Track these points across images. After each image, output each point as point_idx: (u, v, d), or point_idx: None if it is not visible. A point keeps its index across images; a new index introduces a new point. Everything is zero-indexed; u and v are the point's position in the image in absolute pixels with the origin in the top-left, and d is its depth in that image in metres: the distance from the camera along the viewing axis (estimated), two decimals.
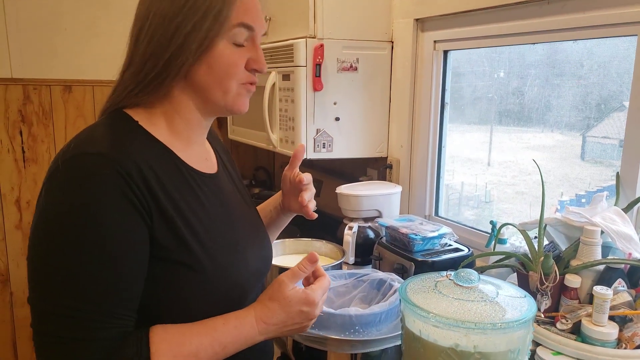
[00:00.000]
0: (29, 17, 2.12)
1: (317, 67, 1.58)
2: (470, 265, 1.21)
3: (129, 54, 0.77)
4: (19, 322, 2.30)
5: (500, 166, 1.67)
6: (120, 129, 0.73)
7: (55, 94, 2.21)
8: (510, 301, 0.78)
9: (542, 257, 1.00)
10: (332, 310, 1.03)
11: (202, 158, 0.83)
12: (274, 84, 1.70)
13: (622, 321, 0.93)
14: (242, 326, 0.74)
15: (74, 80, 2.23)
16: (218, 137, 0.96)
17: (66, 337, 0.64)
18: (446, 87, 1.61)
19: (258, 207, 1.05)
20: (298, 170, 0.97)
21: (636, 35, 1.08)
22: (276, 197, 1.07)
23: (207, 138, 0.89)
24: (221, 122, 2.56)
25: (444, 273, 0.85)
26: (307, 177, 0.94)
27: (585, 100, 1.32)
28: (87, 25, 2.22)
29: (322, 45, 1.57)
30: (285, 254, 1.40)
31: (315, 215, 0.97)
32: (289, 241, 1.41)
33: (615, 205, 1.12)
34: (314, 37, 1.58)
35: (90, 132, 0.72)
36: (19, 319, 2.30)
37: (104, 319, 0.65)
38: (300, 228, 1.77)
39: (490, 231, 1.32)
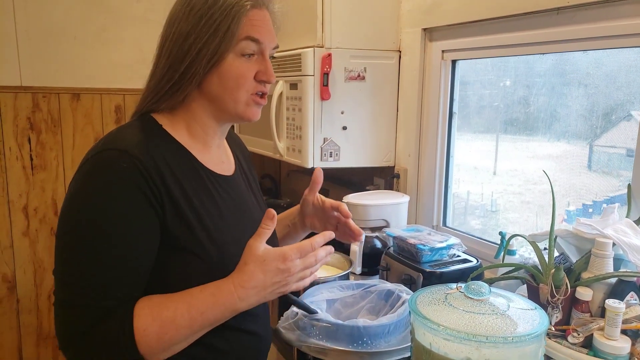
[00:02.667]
0: (39, 26, 2.14)
1: (325, 76, 1.58)
2: (479, 276, 1.20)
3: (154, 67, 0.86)
4: (24, 329, 2.30)
5: (506, 175, 1.66)
6: (145, 130, 0.82)
7: (63, 102, 2.23)
8: (522, 314, 0.77)
9: (553, 269, 0.99)
10: (340, 321, 1.03)
11: (219, 161, 0.91)
12: (281, 93, 1.71)
13: (634, 335, 0.91)
14: (219, 292, 0.77)
15: (82, 88, 2.25)
16: (240, 142, 1.04)
17: (73, 302, 0.73)
18: (454, 97, 1.61)
19: (279, 217, 1.09)
20: (318, 194, 1.05)
21: None
22: (293, 213, 1.11)
23: (228, 142, 0.97)
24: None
25: (454, 285, 0.84)
26: (345, 209, 1.02)
27: (592, 110, 1.32)
28: (96, 34, 2.24)
29: (330, 55, 1.57)
30: None
31: (362, 235, 1.03)
32: None
33: (626, 217, 1.11)
34: (322, 47, 1.59)
35: (117, 132, 0.82)
36: (25, 325, 2.30)
37: (107, 291, 0.74)
38: (308, 237, 1.76)
39: (499, 242, 1.31)
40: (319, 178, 1.02)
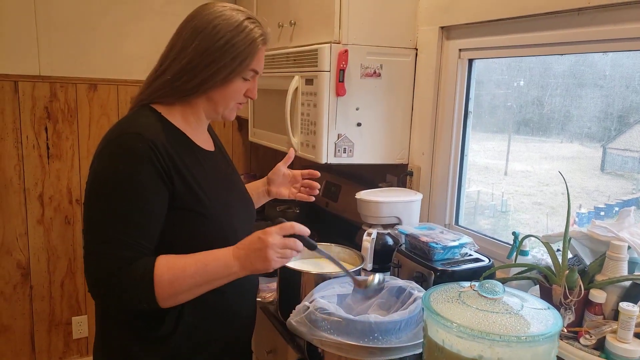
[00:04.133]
0: (59, 16, 2.17)
1: (341, 72, 1.59)
2: (491, 276, 1.20)
3: (167, 64, 1.02)
4: (37, 315, 2.35)
5: (517, 176, 1.65)
6: (150, 117, 1.02)
7: (80, 92, 2.26)
8: (536, 314, 0.77)
9: (567, 271, 0.99)
10: (351, 316, 1.03)
11: (204, 140, 1.13)
12: (297, 88, 1.71)
13: None
14: (219, 250, 0.98)
15: (99, 79, 2.28)
16: (212, 130, 1.26)
17: (103, 252, 0.92)
18: (470, 96, 1.60)
19: (247, 186, 1.36)
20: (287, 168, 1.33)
21: None
22: (258, 184, 1.39)
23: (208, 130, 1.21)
24: (242, 125, 2.59)
25: (468, 283, 0.84)
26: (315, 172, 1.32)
27: (607, 111, 1.30)
28: (115, 26, 2.27)
29: (346, 51, 1.57)
30: (304, 258, 1.40)
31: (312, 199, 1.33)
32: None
33: None
34: (338, 43, 1.59)
35: (129, 120, 1.01)
36: (38, 312, 2.34)
37: (130, 243, 0.92)
38: (319, 232, 1.77)
39: (512, 242, 1.30)
40: (292, 155, 1.32)
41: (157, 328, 1.02)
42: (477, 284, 0.82)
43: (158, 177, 0.95)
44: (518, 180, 1.64)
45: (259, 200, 1.37)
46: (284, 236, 0.98)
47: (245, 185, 1.33)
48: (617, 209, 1.26)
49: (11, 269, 2.26)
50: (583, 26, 1.21)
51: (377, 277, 1.16)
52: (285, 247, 0.97)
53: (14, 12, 2.09)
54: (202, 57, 0.99)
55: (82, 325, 2.43)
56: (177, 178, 0.98)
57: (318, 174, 1.33)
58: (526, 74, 1.55)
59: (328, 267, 1.35)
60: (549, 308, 0.80)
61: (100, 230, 0.93)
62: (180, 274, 0.94)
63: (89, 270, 0.94)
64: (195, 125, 1.09)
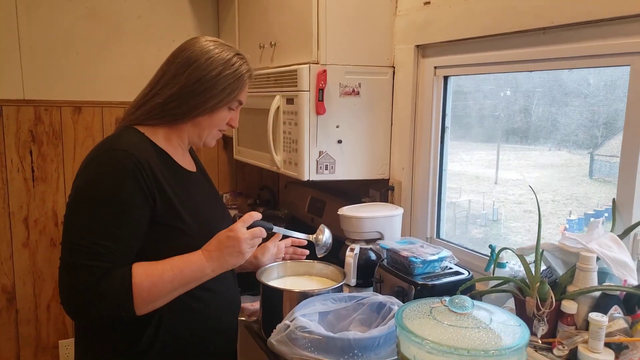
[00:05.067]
0: (42, 40, 2.19)
1: (320, 91, 1.62)
2: (470, 289, 1.22)
3: (158, 89, 1.09)
4: (23, 340, 2.32)
5: (507, 184, 1.67)
6: (135, 136, 1.07)
7: (65, 115, 2.27)
8: (504, 328, 0.79)
9: (538, 283, 1.02)
10: (330, 334, 1.05)
11: (186, 161, 1.18)
12: (278, 107, 1.75)
13: (618, 348, 0.94)
14: (192, 255, 1.04)
15: (83, 101, 2.29)
16: (194, 153, 1.31)
17: (82, 263, 0.94)
18: (447, 112, 1.64)
19: None
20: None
21: (629, 65, 1.10)
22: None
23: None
24: (227, 143, 2.61)
25: (439, 299, 0.86)
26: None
27: (592, 119, 1.33)
28: (98, 49, 2.29)
29: (325, 71, 1.61)
30: (286, 276, 1.41)
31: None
32: (290, 263, 1.43)
33: (611, 231, 1.13)
34: (317, 63, 1.63)
35: (114, 138, 1.07)
36: (24, 337, 2.32)
37: (108, 255, 0.95)
38: (304, 248, 1.78)
39: (489, 254, 1.33)
40: (280, 238, 1.41)
41: (134, 344, 1.04)
42: (447, 299, 0.84)
43: (141, 193, 0.99)
44: (508, 189, 1.66)
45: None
46: (248, 227, 1.07)
47: None
48: (606, 214, 1.29)
49: None
50: (549, 44, 1.25)
51: (325, 230, 1.32)
52: (254, 236, 1.07)
53: None
54: (195, 85, 1.07)
55: (69, 349, 2.41)
56: (159, 195, 1.02)
57: (306, 253, 1.44)
58: (512, 83, 1.57)
59: (310, 285, 1.37)
60: (517, 321, 0.82)
61: (79, 242, 0.95)
62: (158, 280, 0.98)
63: (64, 281, 0.96)
64: (177, 147, 1.15)
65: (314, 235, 1.32)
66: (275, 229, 1.20)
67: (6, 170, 2.20)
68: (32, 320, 2.32)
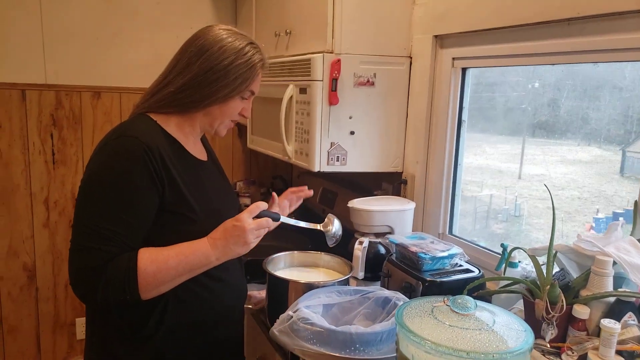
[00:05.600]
0: (64, 28, 2.22)
1: (334, 81, 1.59)
2: (480, 287, 1.19)
3: (171, 77, 1.08)
4: (43, 317, 2.39)
5: (532, 179, 1.62)
6: (148, 124, 1.08)
7: (85, 100, 2.31)
8: (507, 331, 0.77)
9: (549, 286, 0.98)
10: (332, 327, 1.04)
11: (197, 150, 1.18)
12: (291, 97, 1.73)
13: (630, 356, 0.90)
14: (197, 242, 1.04)
15: (103, 87, 2.32)
16: (207, 141, 1.31)
17: (89, 246, 0.96)
18: (464, 105, 1.59)
19: None
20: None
21: None
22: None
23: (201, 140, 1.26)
24: (242, 132, 2.61)
25: (442, 298, 0.84)
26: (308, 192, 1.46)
27: (627, 114, 1.27)
28: (117, 36, 2.31)
29: (339, 61, 1.58)
30: (293, 267, 1.40)
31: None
32: (297, 253, 1.42)
33: (631, 234, 1.08)
34: (331, 52, 1.60)
35: (127, 124, 1.08)
36: (44, 313, 2.39)
37: (116, 239, 0.97)
38: (311, 239, 1.77)
39: (501, 253, 1.29)
40: (275, 201, 1.39)
41: (140, 328, 1.05)
42: (450, 299, 0.82)
43: (150, 180, 1.00)
44: (532, 184, 1.61)
45: None
46: (254, 217, 1.06)
47: None
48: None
49: (18, 271, 2.31)
50: (573, 36, 1.19)
51: (334, 220, 1.31)
52: (260, 227, 1.06)
53: (22, 25, 2.15)
54: (207, 75, 1.07)
55: (84, 327, 2.47)
56: (168, 182, 1.03)
57: (310, 192, 1.44)
58: (541, 75, 1.51)
59: (316, 277, 1.36)
60: (521, 324, 0.79)
61: (89, 225, 0.97)
62: (163, 266, 0.99)
63: (74, 264, 0.98)
64: (189, 135, 1.15)
65: (323, 225, 1.30)
66: (282, 219, 1.19)
67: (28, 152, 2.25)
68: (51, 298, 2.39)
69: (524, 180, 1.64)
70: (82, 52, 2.26)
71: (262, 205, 1.09)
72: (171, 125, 1.11)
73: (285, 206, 1.41)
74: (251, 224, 1.04)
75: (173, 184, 1.04)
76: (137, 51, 2.34)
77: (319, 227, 1.30)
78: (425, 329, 0.77)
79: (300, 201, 1.45)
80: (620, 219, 1.09)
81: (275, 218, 1.14)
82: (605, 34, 1.12)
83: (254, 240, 1.06)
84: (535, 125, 1.55)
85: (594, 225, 1.42)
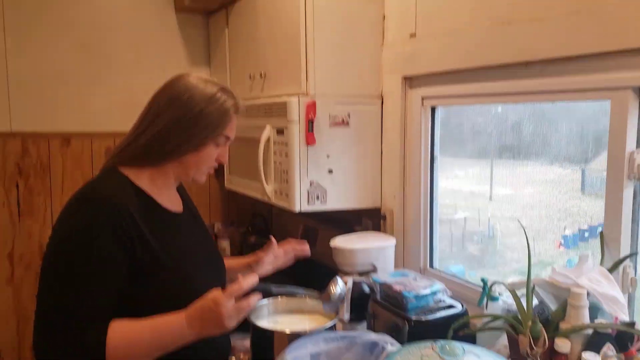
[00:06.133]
0: (30, 73, 2.18)
1: (310, 123, 1.63)
2: (464, 326, 1.21)
3: (142, 129, 1.07)
4: None
5: (502, 200, 1.67)
6: (116, 181, 1.05)
7: (53, 147, 2.25)
8: None
9: (530, 322, 1.01)
10: None
11: (172, 201, 1.16)
12: (269, 138, 1.75)
13: None
14: (174, 318, 0.99)
15: (72, 132, 2.27)
16: (183, 187, 1.28)
17: (54, 319, 0.93)
18: (435, 141, 1.65)
19: (227, 263, 1.36)
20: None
21: (609, 99, 1.12)
22: (243, 265, 1.39)
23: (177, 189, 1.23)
24: (218, 172, 2.60)
25: (430, 344, 0.85)
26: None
27: (582, 134, 1.35)
28: (87, 81, 2.28)
29: (314, 103, 1.62)
30: (277, 313, 1.39)
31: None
32: (280, 300, 1.41)
33: (600, 264, 1.14)
34: (306, 94, 1.64)
35: (95, 183, 1.06)
36: None
37: (83, 312, 0.93)
38: (296, 279, 1.77)
39: (482, 287, 1.32)
40: (274, 244, 1.41)
41: None
42: (438, 345, 0.83)
43: (119, 245, 0.97)
44: (503, 205, 1.67)
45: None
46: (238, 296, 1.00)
47: (226, 260, 1.38)
48: (600, 229, 1.29)
49: None
50: (532, 78, 1.27)
51: (338, 285, 1.27)
52: (240, 312, 0.99)
53: None
54: (177, 124, 1.05)
55: None
56: (139, 243, 1.00)
57: (307, 252, 1.43)
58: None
59: (302, 324, 1.35)
60: None
61: (53, 297, 0.94)
62: (135, 344, 0.96)
63: (38, 337, 0.95)
64: (162, 187, 1.12)
65: (324, 296, 1.24)
66: (276, 291, 1.16)
67: None
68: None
69: (495, 201, 1.69)
70: (51, 96, 2.22)
71: (247, 285, 1.01)
72: (143, 179, 1.09)
73: (279, 255, 1.39)
74: (229, 309, 0.97)
75: (144, 243, 1.01)
76: (110, 95, 2.31)
77: (318, 295, 1.27)
78: None
79: (292, 257, 1.44)
80: (589, 252, 1.14)
81: (268, 293, 1.11)
82: (562, 76, 1.20)
83: (232, 324, 1.00)
84: (502, 148, 1.62)
85: (562, 242, 1.48)
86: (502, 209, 1.68)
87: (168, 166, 1.10)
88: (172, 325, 0.99)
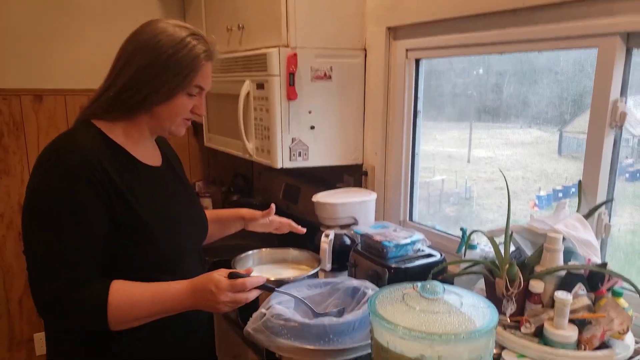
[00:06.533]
0: None
1: (291, 76, 1.59)
2: (442, 271, 1.24)
3: (110, 80, 1.02)
4: None
5: (479, 162, 1.69)
6: (88, 134, 1.00)
7: (25, 104, 2.17)
8: (474, 311, 0.81)
9: (507, 265, 1.04)
10: (306, 320, 1.05)
11: (149, 154, 1.12)
12: (248, 93, 1.71)
13: (581, 324, 0.97)
14: (176, 288, 1.00)
15: (45, 89, 2.19)
16: (167, 142, 1.26)
17: (47, 274, 0.92)
18: (419, 95, 1.64)
19: (216, 213, 1.38)
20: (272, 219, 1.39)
21: (597, 47, 1.12)
22: (234, 220, 1.39)
23: (158, 142, 1.19)
24: (197, 130, 2.55)
25: (411, 285, 0.87)
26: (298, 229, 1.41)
27: (562, 96, 1.35)
28: (58, 35, 2.18)
29: (295, 55, 1.58)
30: (262, 264, 1.41)
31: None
32: (265, 251, 1.42)
33: (577, 211, 1.17)
34: (287, 46, 1.59)
35: (65, 137, 1.00)
36: None
37: (73, 264, 0.93)
38: (278, 235, 1.78)
39: (461, 237, 1.36)
40: (273, 209, 1.36)
41: (105, 341, 1.02)
42: (419, 285, 0.85)
43: (96, 196, 0.95)
44: (480, 167, 1.69)
45: (228, 228, 1.39)
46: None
47: (217, 210, 1.41)
48: (574, 190, 1.32)
49: None
50: (519, 26, 1.26)
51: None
52: (235, 303, 1.01)
53: None
54: (145, 73, 0.99)
55: (44, 341, 2.36)
56: (115, 196, 0.97)
57: (303, 231, 1.39)
58: (484, 62, 1.56)
59: (286, 273, 1.37)
60: (486, 303, 0.84)
61: (42, 252, 0.93)
62: (136, 305, 0.96)
63: (35, 293, 0.94)
64: (137, 141, 1.08)
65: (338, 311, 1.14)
66: (279, 290, 1.12)
67: None
68: (4, 314, 2.27)
69: (473, 164, 1.71)
70: (21, 52, 2.12)
71: (251, 283, 1.02)
72: (117, 132, 1.04)
73: (274, 222, 1.38)
74: (227, 299, 0.99)
75: (120, 197, 0.98)
76: (82, 50, 2.22)
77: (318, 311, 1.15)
78: (397, 316, 0.80)
79: (285, 232, 1.42)
80: (572, 190, 1.16)
81: (270, 289, 1.10)
82: (549, 23, 1.19)
83: (226, 309, 1.02)
84: (481, 110, 1.62)
85: (537, 202, 1.51)
86: (479, 171, 1.69)
87: (140, 118, 1.04)
88: (174, 293, 0.99)
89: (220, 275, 1.01)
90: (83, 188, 0.93)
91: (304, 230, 1.39)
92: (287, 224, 1.39)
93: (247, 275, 1.04)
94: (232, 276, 1.01)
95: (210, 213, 1.34)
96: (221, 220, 1.37)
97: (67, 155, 0.94)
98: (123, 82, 1.00)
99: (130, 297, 0.96)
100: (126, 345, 1.03)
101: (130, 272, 1.00)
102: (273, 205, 1.36)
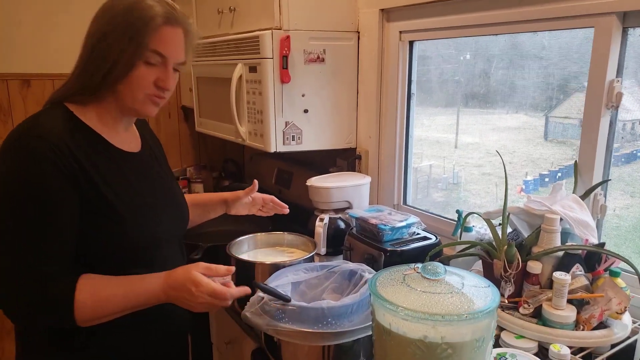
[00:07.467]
0: None
1: (284, 59, 1.56)
2: (438, 254, 1.24)
3: (76, 62, 0.97)
4: None
5: (467, 148, 1.70)
6: (58, 117, 0.94)
7: (13, 89, 2.12)
8: (475, 291, 0.81)
9: (506, 246, 1.04)
10: (304, 304, 1.05)
11: (126, 140, 1.05)
12: (240, 76, 1.68)
13: (579, 304, 0.98)
14: (151, 282, 0.95)
15: (32, 74, 2.13)
16: (148, 127, 1.20)
17: (14, 267, 0.87)
18: (412, 78, 1.62)
19: (196, 197, 1.36)
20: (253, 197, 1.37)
21: (593, 27, 1.11)
22: (215, 203, 1.36)
23: (138, 127, 1.13)
24: (188, 115, 2.51)
25: (412, 266, 0.87)
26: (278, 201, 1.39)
27: (548, 81, 1.35)
28: (44, 19, 2.12)
29: (288, 37, 1.55)
30: (257, 248, 1.39)
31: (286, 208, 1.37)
32: (260, 235, 1.41)
33: (573, 192, 1.17)
34: (279, 29, 1.56)
35: (33, 119, 0.93)
36: None
37: (42, 256, 0.87)
38: (273, 220, 1.76)
39: (456, 219, 1.35)
40: (256, 186, 1.35)
41: (75, 333, 0.96)
42: (420, 266, 0.85)
43: (64, 179, 0.89)
44: (468, 153, 1.69)
45: (208, 212, 1.36)
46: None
47: (199, 195, 1.39)
48: (560, 174, 1.32)
49: None
50: (513, 7, 1.24)
51: None
52: (212, 306, 0.97)
53: None
54: (100, 45, 0.92)
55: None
56: (84, 181, 0.92)
57: (286, 209, 1.36)
58: (472, 47, 1.56)
59: (281, 256, 1.36)
60: (487, 284, 0.84)
61: (9, 242, 0.87)
62: (105, 302, 0.92)
63: (3, 287, 0.89)
64: (112, 125, 1.01)
65: None
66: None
67: None
68: None
69: (460, 149, 1.72)
70: (6, 37, 2.06)
71: (232, 295, 0.98)
72: (90, 115, 0.98)
73: (257, 200, 1.36)
74: (205, 301, 0.94)
75: (90, 182, 0.92)
76: (67, 34, 2.15)
77: None
78: (399, 297, 0.79)
79: (270, 214, 1.39)
80: (559, 175, 1.16)
81: (282, 298, 1.05)
82: (544, 4, 1.18)
83: (200, 311, 0.98)
84: (468, 96, 1.62)
85: (523, 187, 1.52)
86: (467, 157, 1.70)
87: (107, 101, 0.98)
88: (148, 288, 0.95)
89: (198, 272, 0.95)
90: (48, 172, 0.87)
91: (287, 209, 1.37)
92: (269, 200, 1.37)
93: (229, 273, 1.00)
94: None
95: (190, 197, 1.29)
96: (200, 204, 1.33)
97: (29, 139, 0.88)
98: (84, 61, 0.94)
99: (99, 292, 0.91)
100: (99, 338, 0.98)
101: (102, 264, 0.95)
102: (256, 182, 1.34)
